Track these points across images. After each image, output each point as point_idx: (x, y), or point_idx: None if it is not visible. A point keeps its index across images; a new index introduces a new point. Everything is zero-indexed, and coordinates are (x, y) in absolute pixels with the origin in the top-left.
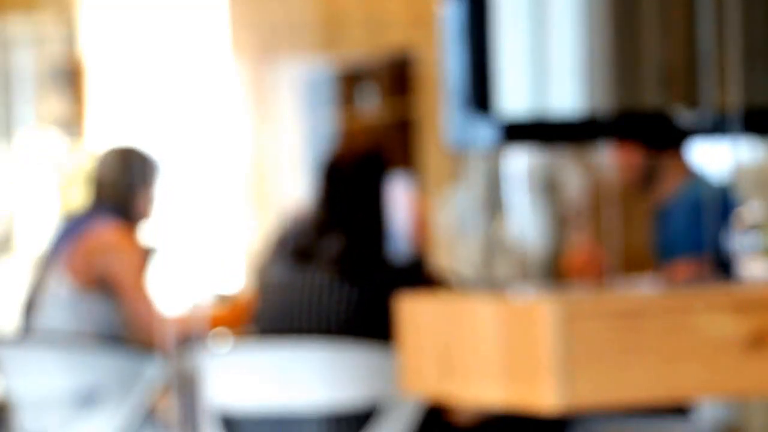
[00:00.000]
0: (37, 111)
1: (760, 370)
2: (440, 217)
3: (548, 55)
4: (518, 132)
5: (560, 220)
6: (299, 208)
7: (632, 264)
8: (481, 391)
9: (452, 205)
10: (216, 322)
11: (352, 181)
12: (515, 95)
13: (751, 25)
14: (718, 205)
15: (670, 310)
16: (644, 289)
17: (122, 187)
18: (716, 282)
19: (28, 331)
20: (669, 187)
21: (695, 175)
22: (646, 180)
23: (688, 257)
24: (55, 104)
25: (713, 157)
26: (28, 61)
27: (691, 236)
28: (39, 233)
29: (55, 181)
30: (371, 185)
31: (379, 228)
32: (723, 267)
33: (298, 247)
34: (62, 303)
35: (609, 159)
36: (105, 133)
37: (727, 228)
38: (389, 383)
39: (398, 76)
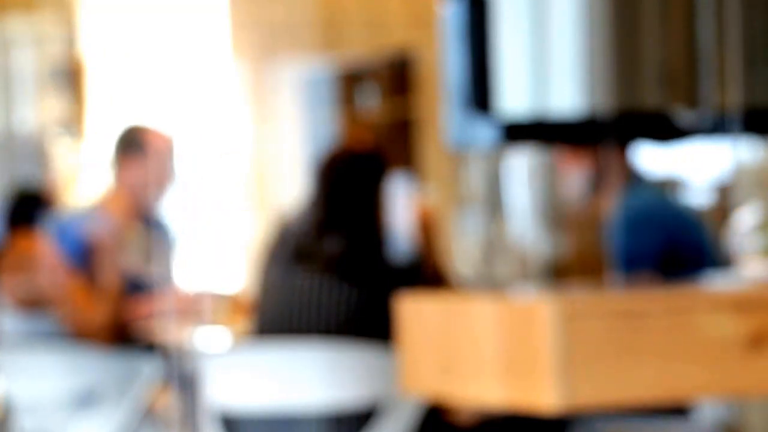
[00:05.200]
0: (37, 111)
1: (760, 370)
2: (440, 217)
3: (548, 55)
4: (518, 132)
5: (560, 220)
6: (298, 208)
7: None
8: (481, 391)
9: (452, 205)
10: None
11: (352, 181)
12: (515, 95)
13: (751, 25)
14: (661, 211)
15: (670, 310)
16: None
17: None
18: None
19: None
20: (610, 194)
21: (638, 180)
22: (591, 187)
23: (630, 273)
24: (55, 104)
25: (713, 157)
26: (28, 61)
27: (630, 251)
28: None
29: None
30: (371, 185)
31: (379, 228)
32: (683, 269)
33: (298, 247)
34: None
35: (557, 168)
36: (105, 133)
37: (675, 234)
38: (389, 383)
39: (398, 76)
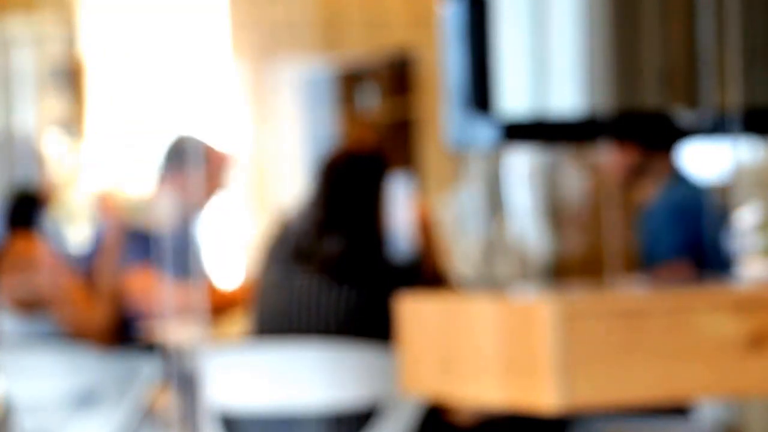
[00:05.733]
0: (37, 111)
1: (760, 370)
2: (440, 217)
3: (548, 55)
4: (518, 132)
5: (560, 220)
6: (297, 208)
7: (632, 264)
8: (481, 391)
9: (452, 205)
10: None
11: (352, 182)
12: (515, 95)
13: (751, 25)
14: (698, 207)
15: (670, 310)
16: (641, 288)
17: None
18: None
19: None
20: (652, 188)
21: (679, 176)
22: (631, 179)
23: (667, 261)
24: (55, 104)
25: (713, 157)
26: (28, 61)
27: (669, 240)
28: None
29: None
30: (371, 185)
31: (379, 228)
32: (706, 268)
33: (298, 247)
34: None
35: (603, 157)
36: (105, 133)
37: (708, 230)
38: (389, 383)
39: (398, 76)
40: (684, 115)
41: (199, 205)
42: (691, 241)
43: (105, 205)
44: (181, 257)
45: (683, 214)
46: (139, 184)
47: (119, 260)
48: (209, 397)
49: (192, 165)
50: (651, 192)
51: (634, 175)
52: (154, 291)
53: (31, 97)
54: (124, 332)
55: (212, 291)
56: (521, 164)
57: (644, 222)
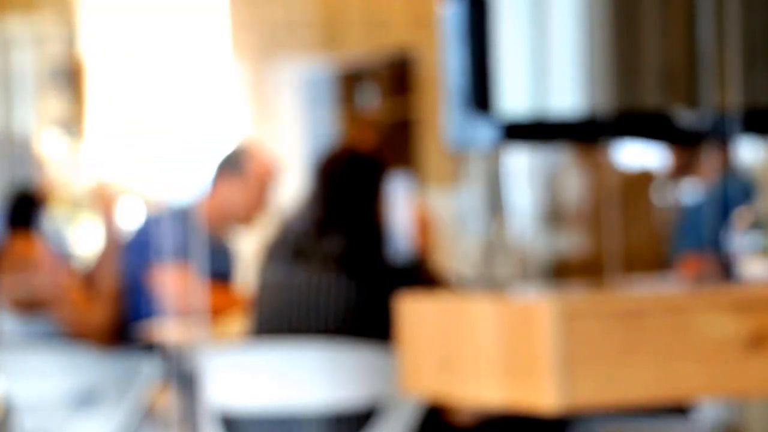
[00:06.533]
0: (37, 111)
1: (760, 370)
2: (440, 217)
3: (548, 55)
4: (518, 132)
5: (560, 220)
6: (298, 207)
7: (632, 264)
8: (480, 391)
9: (452, 205)
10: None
11: (353, 181)
12: (515, 95)
13: (751, 25)
14: (738, 203)
15: (670, 310)
16: (647, 288)
17: None
18: (721, 279)
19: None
20: (703, 181)
21: (732, 172)
22: (684, 170)
23: (690, 255)
24: (55, 104)
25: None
26: (28, 61)
27: (695, 235)
28: None
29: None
30: (371, 184)
31: (379, 228)
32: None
33: (298, 246)
34: None
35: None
36: (105, 133)
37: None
38: (389, 383)
39: (398, 76)
40: (684, 115)
41: (242, 221)
42: (717, 238)
43: (103, 198)
44: (214, 262)
45: (717, 211)
46: (139, 183)
47: (149, 253)
48: (209, 397)
49: (244, 179)
50: (702, 185)
51: (684, 172)
52: (187, 289)
53: (31, 97)
54: (124, 332)
55: (213, 291)
56: (521, 164)
57: (687, 213)
